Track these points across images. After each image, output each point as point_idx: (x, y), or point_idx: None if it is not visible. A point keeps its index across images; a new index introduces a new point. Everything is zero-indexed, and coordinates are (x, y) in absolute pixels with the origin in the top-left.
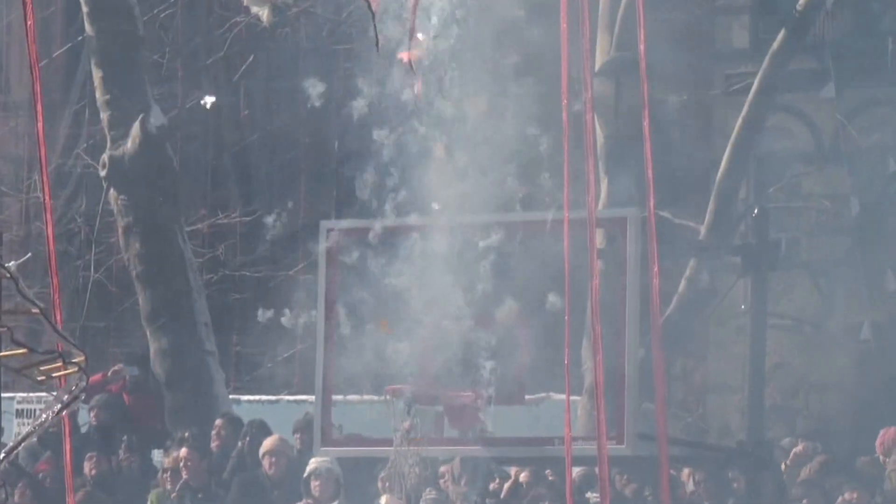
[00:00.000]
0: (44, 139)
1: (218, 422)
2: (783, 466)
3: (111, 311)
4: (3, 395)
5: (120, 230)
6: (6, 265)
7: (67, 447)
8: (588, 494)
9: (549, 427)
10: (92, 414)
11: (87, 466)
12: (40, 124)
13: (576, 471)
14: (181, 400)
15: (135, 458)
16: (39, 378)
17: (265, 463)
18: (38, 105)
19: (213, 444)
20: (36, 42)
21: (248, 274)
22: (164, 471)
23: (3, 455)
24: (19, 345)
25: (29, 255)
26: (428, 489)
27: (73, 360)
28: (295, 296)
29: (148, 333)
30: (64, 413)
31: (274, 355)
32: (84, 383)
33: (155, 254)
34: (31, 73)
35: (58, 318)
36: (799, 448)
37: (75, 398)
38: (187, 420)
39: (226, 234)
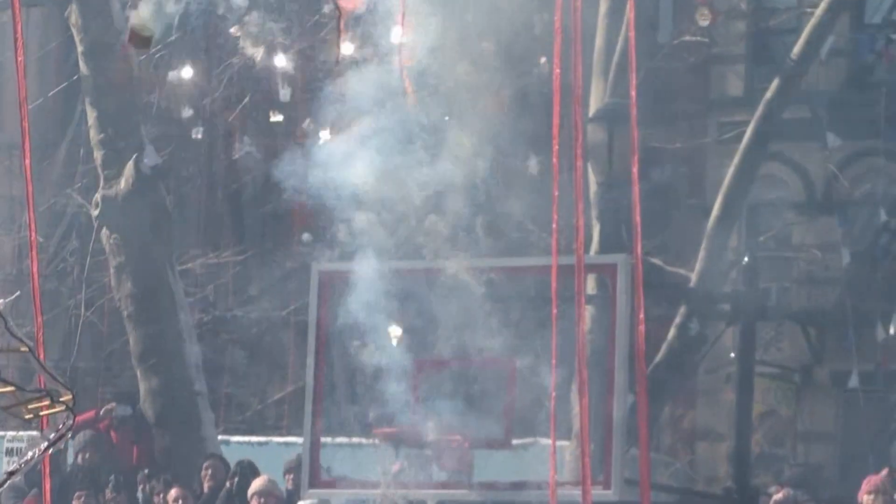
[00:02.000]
0: (30, 177)
1: (206, 463)
2: None
3: (102, 351)
4: None
5: (111, 270)
6: None
7: (46, 486)
8: None
9: (536, 472)
10: (79, 454)
11: None
12: (27, 161)
13: None
14: (170, 440)
15: (121, 497)
16: (27, 416)
17: (254, 502)
18: (26, 143)
19: (206, 485)
20: (25, 79)
21: (239, 314)
22: None
23: None
24: (6, 383)
25: (18, 293)
26: None
27: (61, 399)
28: (286, 337)
29: (138, 373)
30: (48, 452)
31: (264, 397)
32: (71, 422)
33: (146, 294)
34: (20, 110)
35: (41, 355)
36: (779, 495)
37: (62, 436)
38: (176, 460)
39: (218, 275)
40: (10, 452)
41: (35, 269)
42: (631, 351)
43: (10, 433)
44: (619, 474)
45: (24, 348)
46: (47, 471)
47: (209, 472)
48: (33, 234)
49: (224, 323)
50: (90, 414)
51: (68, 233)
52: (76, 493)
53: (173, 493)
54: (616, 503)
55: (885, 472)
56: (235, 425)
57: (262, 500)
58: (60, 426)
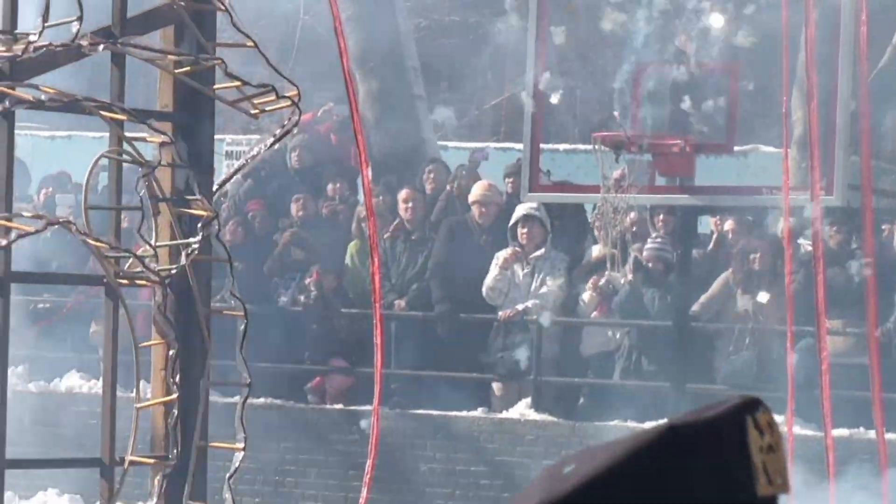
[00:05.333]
0: None
1: (429, 166)
2: None
3: (320, 55)
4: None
5: None
6: None
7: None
8: (800, 240)
9: (757, 177)
10: (294, 155)
11: (294, 208)
12: None
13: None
14: (389, 143)
15: (343, 198)
16: (253, 112)
17: (474, 209)
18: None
19: (428, 188)
20: None
21: (456, 19)
22: (361, 220)
23: (217, 186)
24: (233, 77)
25: None
26: (654, 235)
27: (286, 95)
28: (502, 41)
29: (357, 76)
30: (273, 146)
31: (482, 103)
32: (297, 117)
33: None
34: None
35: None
36: None
37: (288, 131)
38: (395, 163)
39: None
40: (229, 156)
41: None
42: (854, 54)
43: (230, 136)
44: (843, 180)
45: (249, 43)
46: None
47: (431, 175)
48: None
49: (442, 28)
50: (308, 117)
51: None
52: (294, 197)
53: (404, 193)
54: (838, 208)
55: None
56: (453, 130)
57: (483, 206)
58: (286, 122)
